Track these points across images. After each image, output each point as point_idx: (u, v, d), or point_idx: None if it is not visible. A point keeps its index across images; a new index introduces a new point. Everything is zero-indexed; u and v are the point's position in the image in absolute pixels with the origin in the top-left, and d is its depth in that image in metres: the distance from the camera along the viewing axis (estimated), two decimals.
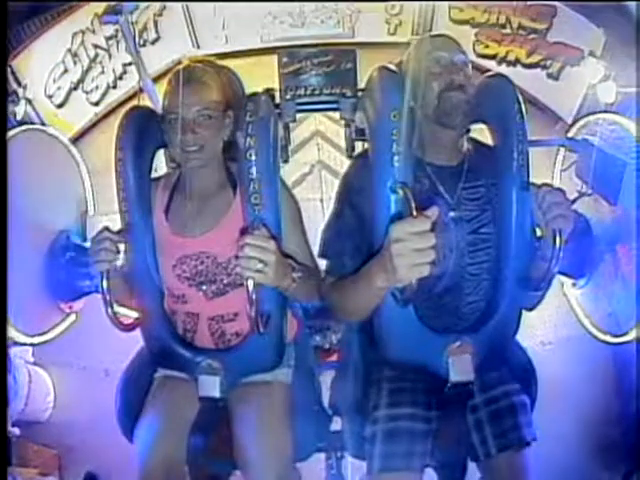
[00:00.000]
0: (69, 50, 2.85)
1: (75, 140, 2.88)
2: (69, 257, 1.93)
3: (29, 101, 2.62)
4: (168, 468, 1.18)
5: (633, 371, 1.90)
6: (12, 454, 2.07)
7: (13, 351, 2.13)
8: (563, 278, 2.07)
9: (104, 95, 3.01)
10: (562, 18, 2.77)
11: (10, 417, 2.06)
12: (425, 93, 1.17)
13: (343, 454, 1.52)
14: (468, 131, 1.27)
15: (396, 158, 1.06)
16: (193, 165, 1.22)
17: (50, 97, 2.84)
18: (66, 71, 2.88)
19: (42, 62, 2.78)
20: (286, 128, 2.40)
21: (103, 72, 2.99)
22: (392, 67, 1.18)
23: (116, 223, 1.22)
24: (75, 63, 2.89)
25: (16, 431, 2.08)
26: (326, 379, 1.43)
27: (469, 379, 1.18)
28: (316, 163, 2.91)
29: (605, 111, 2.12)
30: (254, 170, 1.14)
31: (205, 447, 1.23)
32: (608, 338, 1.94)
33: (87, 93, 2.97)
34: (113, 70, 2.99)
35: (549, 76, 2.90)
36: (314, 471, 1.48)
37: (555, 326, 2.37)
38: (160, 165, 1.42)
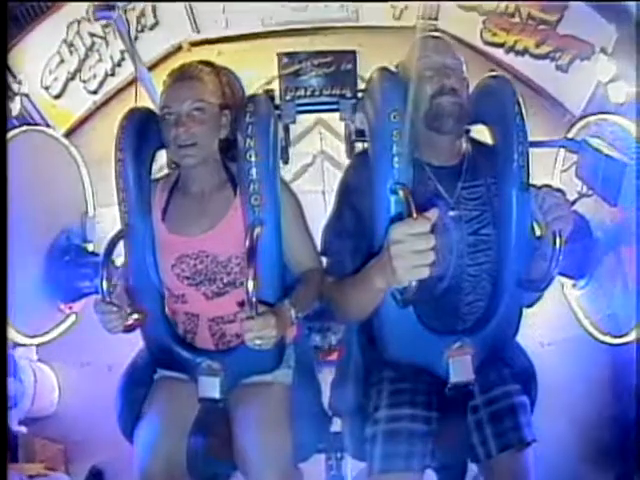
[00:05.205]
0: (64, 40, 2.79)
1: (74, 130, 2.85)
2: (69, 258, 1.93)
3: (25, 96, 2.57)
4: (168, 469, 1.18)
5: (632, 372, 1.90)
6: (18, 449, 2.07)
7: (18, 352, 2.13)
8: (563, 279, 2.06)
9: (102, 83, 2.98)
10: (574, 11, 2.70)
11: (17, 417, 2.07)
12: (418, 97, 1.15)
13: (343, 455, 1.52)
14: (468, 131, 1.28)
15: (396, 159, 1.06)
16: (188, 162, 1.21)
17: (47, 88, 2.78)
18: (62, 61, 2.82)
19: (37, 54, 2.72)
20: (286, 129, 2.40)
21: (101, 60, 2.95)
22: (392, 68, 1.19)
23: (116, 216, 1.24)
24: (71, 53, 2.84)
25: (23, 429, 2.08)
26: (326, 379, 1.43)
27: (469, 380, 1.18)
28: (318, 153, 2.83)
29: (608, 112, 2.10)
30: (254, 171, 1.14)
31: (205, 448, 1.23)
32: (608, 339, 1.93)
33: (85, 82, 2.93)
34: (111, 57, 2.95)
35: (558, 68, 2.84)
36: (314, 472, 1.48)
37: (555, 327, 2.35)
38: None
